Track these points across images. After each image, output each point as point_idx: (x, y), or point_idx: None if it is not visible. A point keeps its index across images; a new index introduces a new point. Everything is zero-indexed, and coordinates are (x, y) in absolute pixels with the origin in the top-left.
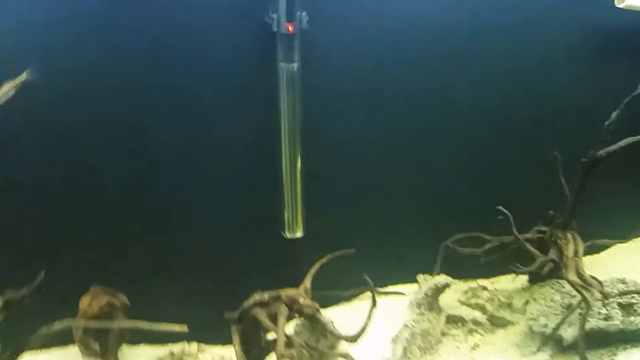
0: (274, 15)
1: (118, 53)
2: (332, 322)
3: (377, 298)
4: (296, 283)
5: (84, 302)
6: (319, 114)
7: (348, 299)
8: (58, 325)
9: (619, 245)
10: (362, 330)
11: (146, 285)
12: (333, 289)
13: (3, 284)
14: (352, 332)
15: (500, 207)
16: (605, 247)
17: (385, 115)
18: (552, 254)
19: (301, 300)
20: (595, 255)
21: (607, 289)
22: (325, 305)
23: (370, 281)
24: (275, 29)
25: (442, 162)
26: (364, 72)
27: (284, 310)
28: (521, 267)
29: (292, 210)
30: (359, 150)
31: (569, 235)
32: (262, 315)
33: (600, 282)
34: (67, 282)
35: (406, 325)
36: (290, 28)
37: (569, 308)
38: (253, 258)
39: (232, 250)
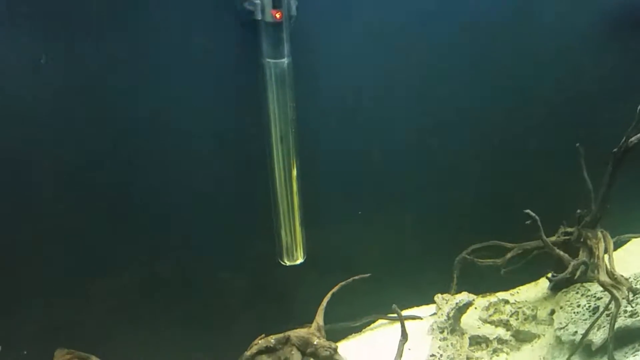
0: (257, 1)
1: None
2: None
3: (391, 325)
4: (301, 318)
5: None
6: (316, 118)
7: (358, 330)
8: None
9: (635, 240)
10: None
11: (124, 328)
12: (338, 320)
13: None
14: None
15: (529, 211)
16: (626, 242)
17: (392, 118)
18: (583, 256)
19: (315, 341)
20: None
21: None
22: (332, 339)
23: (398, 310)
24: (258, 18)
25: (451, 169)
26: (369, 67)
27: (296, 356)
28: (555, 274)
29: (290, 231)
30: (363, 159)
31: (599, 234)
32: None
33: (627, 279)
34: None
35: (433, 355)
36: (277, 15)
37: (596, 311)
38: (246, 292)
39: (221, 284)
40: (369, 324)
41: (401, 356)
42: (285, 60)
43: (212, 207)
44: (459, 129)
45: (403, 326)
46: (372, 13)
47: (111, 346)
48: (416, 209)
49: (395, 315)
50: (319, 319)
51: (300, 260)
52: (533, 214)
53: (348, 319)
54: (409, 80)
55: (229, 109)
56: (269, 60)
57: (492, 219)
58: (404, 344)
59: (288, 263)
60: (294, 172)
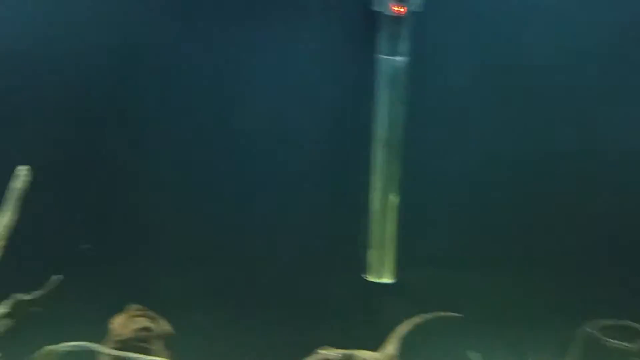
0: None
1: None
2: None
3: None
4: (376, 340)
5: (116, 323)
6: (428, 125)
7: None
8: (69, 347)
9: None
10: None
11: (192, 318)
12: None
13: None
14: None
15: None
16: None
17: (518, 130)
18: None
19: None
20: None
21: None
22: None
23: None
24: (377, 9)
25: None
26: (495, 72)
27: None
28: None
29: (380, 248)
30: (477, 177)
31: None
32: None
33: None
34: (93, 292)
35: None
36: (398, 9)
37: None
38: (323, 300)
39: (298, 288)
40: None
41: None
42: (401, 59)
43: (302, 211)
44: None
45: None
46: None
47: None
48: (541, 248)
49: None
50: (391, 347)
51: (387, 279)
52: None
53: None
54: (546, 86)
55: (332, 106)
56: (382, 56)
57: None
58: None
59: (374, 280)
60: (394, 181)
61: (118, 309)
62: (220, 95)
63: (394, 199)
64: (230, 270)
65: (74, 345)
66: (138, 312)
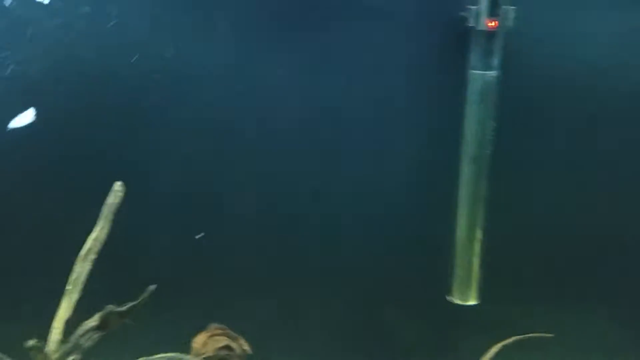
0: (473, 7)
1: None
2: None
3: None
4: None
5: (198, 341)
6: (518, 142)
7: None
8: (164, 358)
9: None
10: None
11: (268, 340)
12: None
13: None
14: None
15: None
16: None
17: (608, 149)
18: None
19: None
20: None
21: None
22: None
23: None
24: (471, 25)
25: None
26: (588, 89)
27: None
28: None
29: (467, 267)
30: (568, 199)
31: None
32: None
33: None
34: (181, 309)
35: None
36: (492, 24)
37: None
38: (404, 323)
39: (383, 309)
40: None
41: None
42: (492, 73)
43: (388, 229)
44: None
45: None
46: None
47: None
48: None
49: None
50: None
51: (472, 302)
52: None
53: None
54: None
55: (421, 120)
56: (474, 71)
57: None
58: None
59: (459, 302)
60: (482, 199)
61: (199, 328)
62: (313, 109)
63: (480, 217)
64: (313, 293)
65: (169, 357)
66: (219, 331)
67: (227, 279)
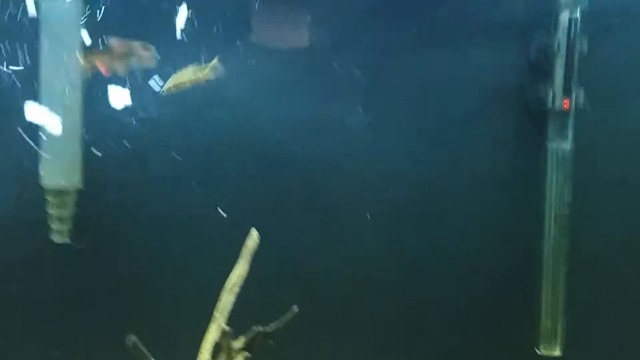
0: (549, 91)
1: None
2: None
3: None
4: None
5: None
6: (590, 208)
7: None
8: None
9: None
10: None
11: None
12: None
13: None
14: None
15: None
16: None
17: None
18: None
19: None
20: None
21: None
22: None
23: None
24: (550, 105)
25: None
26: None
27: None
28: None
29: (552, 317)
30: None
31: None
32: None
33: None
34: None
35: None
36: (566, 105)
37: None
38: None
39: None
40: None
41: None
42: (567, 145)
43: (474, 284)
44: None
45: None
46: None
47: None
48: None
49: None
50: None
51: (557, 352)
52: None
53: None
54: None
55: (501, 191)
56: (551, 143)
57: None
58: None
59: (545, 353)
60: (564, 262)
61: None
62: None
63: (563, 266)
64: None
65: None
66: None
67: None
